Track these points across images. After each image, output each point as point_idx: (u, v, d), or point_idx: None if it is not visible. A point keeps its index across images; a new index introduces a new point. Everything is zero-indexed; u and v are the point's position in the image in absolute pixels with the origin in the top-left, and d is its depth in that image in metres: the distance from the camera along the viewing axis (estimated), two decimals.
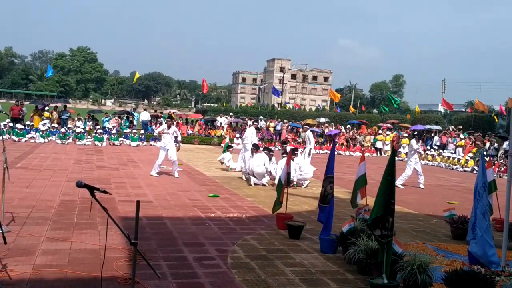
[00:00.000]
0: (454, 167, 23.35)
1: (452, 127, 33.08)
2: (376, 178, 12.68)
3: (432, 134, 30.14)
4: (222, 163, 16.15)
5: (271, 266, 5.83)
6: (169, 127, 13.45)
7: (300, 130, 30.71)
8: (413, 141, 14.82)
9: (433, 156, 25.88)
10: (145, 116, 28.66)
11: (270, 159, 13.08)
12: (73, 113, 28.70)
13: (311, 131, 17.64)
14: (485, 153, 22.26)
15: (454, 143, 27.31)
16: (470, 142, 26.38)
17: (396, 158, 24.72)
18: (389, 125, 35.04)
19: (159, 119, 29.99)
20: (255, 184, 12.64)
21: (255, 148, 13.42)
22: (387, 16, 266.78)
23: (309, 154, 15.19)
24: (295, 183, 12.57)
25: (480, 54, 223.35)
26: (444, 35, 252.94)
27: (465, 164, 23.15)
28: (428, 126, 32.65)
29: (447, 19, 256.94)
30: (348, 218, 7.31)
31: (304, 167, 13.08)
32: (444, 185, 16.35)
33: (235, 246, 6.60)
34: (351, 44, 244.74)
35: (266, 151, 13.29)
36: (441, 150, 26.79)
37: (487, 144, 25.84)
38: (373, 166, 18.45)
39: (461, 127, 31.61)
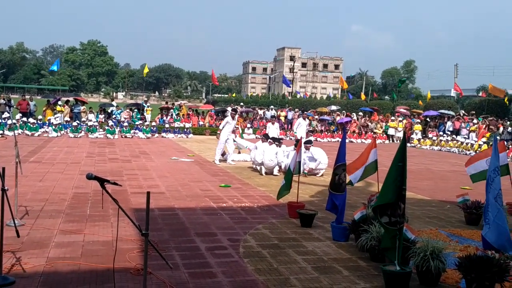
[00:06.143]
0: (468, 152, 23.11)
1: (463, 112, 32.66)
2: (388, 165, 12.57)
3: (445, 120, 29.83)
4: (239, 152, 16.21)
5: (283, 255, 5.83)
6: (233, 118, 15.10)
7: (312, 118, 30.65)
8: None
9: (446, 141, 25.65)
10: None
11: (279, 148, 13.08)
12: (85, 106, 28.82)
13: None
14: (498, 137, 21.97)
15: (468, 128, 27.01)
16: (484, 127, 26.05)
17: (408, 144, 24.58)
18: (404, 110, 34.49)
19: (170, 111, 30.09)
20: (266, 173, 12.63)
21: (266, 138, 13.42)
22: (398, 1, 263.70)
23: None
24: (305, 171, 12.55)
25: (492, 39, 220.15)
26: (456, 20, 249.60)
27: (479, 149, 22.87)
28: (442, 111, 32.30)
29: (459, 4, 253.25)
30: (360, 205, 7.27)
31: (319, 156, 13.04)
32: (457, 171, 16.19)
33: (247, 235, 6.61)
34: (362, 30, 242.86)
35: (277, 143, 13.22)
36: (454, 136, 26.54)
37: (501, 129, 25.51)
38: (385, 153, 18.33)
39: (474, 112, 31.21)
